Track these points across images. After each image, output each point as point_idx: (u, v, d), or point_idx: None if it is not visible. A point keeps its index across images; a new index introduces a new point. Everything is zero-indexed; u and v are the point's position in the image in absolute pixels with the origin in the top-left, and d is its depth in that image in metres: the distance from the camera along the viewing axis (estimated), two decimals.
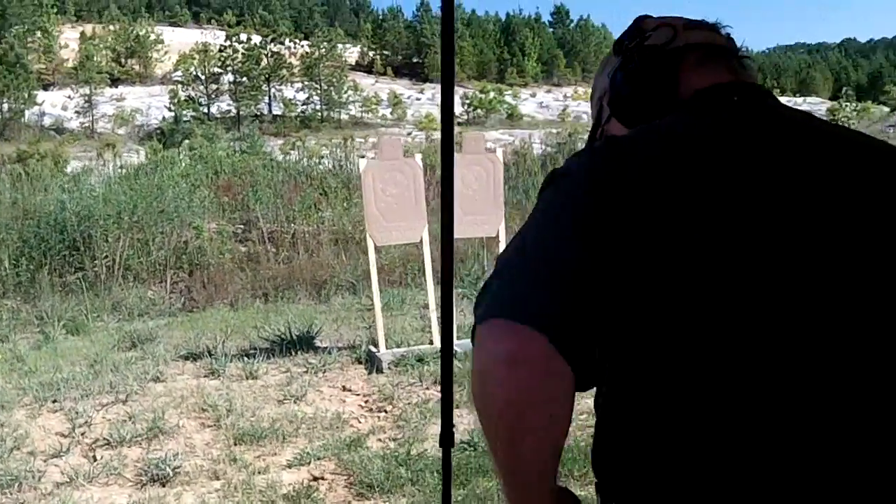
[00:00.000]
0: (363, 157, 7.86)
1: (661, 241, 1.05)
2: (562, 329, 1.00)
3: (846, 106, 32.42)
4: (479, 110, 65.60)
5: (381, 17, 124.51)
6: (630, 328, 1.08)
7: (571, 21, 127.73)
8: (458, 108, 69.25)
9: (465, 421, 5.45)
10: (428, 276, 7.37)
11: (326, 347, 7.43)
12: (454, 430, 2.29)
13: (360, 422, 5.67)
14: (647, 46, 1.34)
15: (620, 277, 1.05)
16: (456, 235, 7.59)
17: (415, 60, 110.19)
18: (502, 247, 7.53)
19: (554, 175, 1.20)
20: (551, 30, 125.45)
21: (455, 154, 7.87)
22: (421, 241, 7.27)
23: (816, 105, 71.45)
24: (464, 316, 7.92)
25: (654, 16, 1.41)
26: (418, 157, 7.37)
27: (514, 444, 1.06)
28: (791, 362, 1.03)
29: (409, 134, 49.81)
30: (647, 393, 1.08)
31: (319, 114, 67.09)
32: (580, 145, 29.38)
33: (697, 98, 1.27)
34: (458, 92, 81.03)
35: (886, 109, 42.77)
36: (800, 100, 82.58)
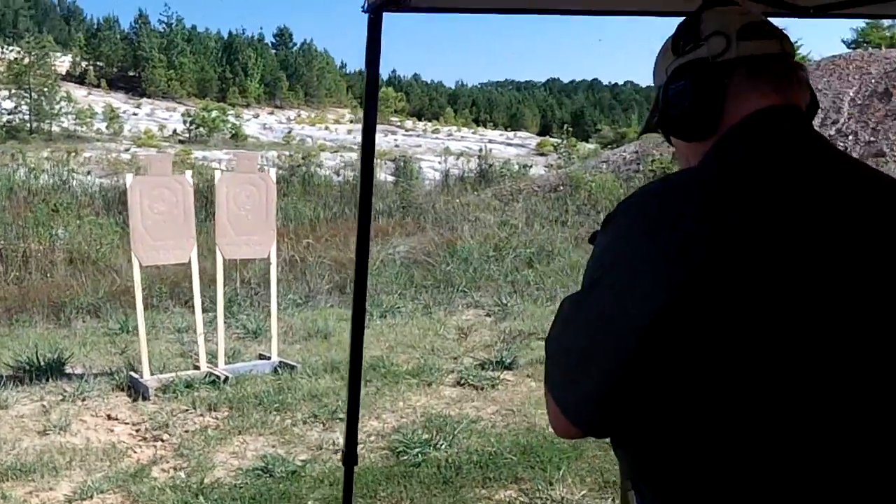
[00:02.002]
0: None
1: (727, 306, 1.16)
2: (595, 427, 1.33)
3: (566, 141, 34.92)
4: (201, 128, 63.58)
5: (95, 26, 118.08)
6: (710, 374, 1.19)
7: (295, 44, 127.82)
8: (179, 126, 66.87)
9: (252, 447, 5.33)
10: (196, 298, 7.09)
11: (81, 374, 6.95)
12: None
13: (136, 452, 5.36)
14: (697, 62, 1.38)
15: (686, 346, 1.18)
16: (228, 256, 7.44)
17: (131, 74, 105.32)
18: (273, 270, 7.42)
19: (607, 235, 1.30)
20: (274, 51, 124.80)
21: (227, 173, 7.68)
22: (189, 261, 6.99)
23: (527, 139, 76.29)
24: (227, 341, 7.72)
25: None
26: (188, 173, 7.11)
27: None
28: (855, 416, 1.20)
29: (127, 150, 47.35)
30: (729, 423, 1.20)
31: (28, 125, 61.98)
32: (314, 169, 28.95)
33: (742, 130, 1.33)
34: (180, 109, 78.31)
35: (592, 146, 46.60)
36: (511, 134, 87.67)
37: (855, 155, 19.42)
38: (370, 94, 2.17)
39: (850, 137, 19.89)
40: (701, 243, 1.18)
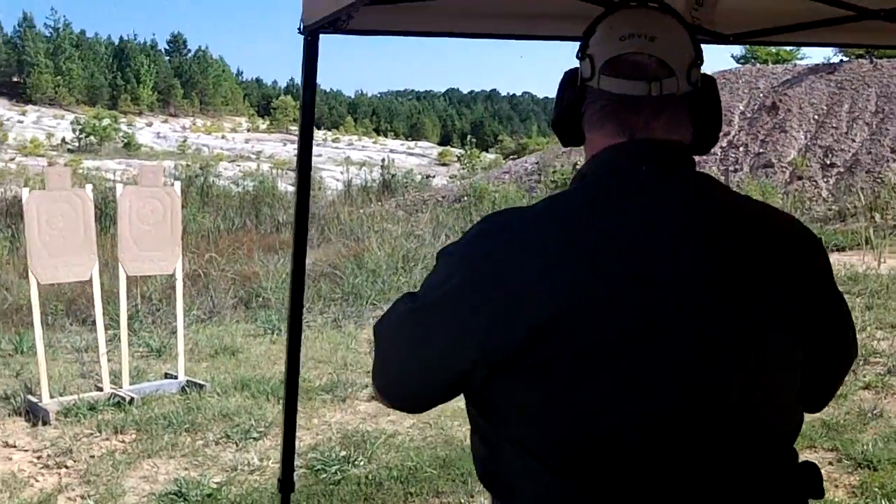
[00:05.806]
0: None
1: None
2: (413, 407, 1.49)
3: (468, 151, 35.16)
4: (91, 137, 61.59)
5: None
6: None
7: (189, 51, 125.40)
8: (68, 135, 64.74)
9: (163, 470, 5.17)
10: (98, 316, 6.84)
11: None
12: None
13: (38, 480, 5.13)
14: (573, 78, 1.44)
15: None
16: (131, 273, 7.22)
17: (15, 80, 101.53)
18: (179, 286, 7.21)
19: (447, 265, 1.36)
20: (168, 58, 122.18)
21: (130, 186, 7.45)
22: (90, 278, 6.74)
23: (428, 149, 76.50)
24: (130, 361, 7.47)
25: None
26: (88, 188, 6.86)
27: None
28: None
29: (12, 159, 45.43)
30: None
31: None
32: (212, 179, 28.38)
33: (591, 165, 1.40)
34: (68, 117, 75.82)
35: (492, 157, 47.01)
36: (412, 143, 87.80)
37: (745, 166, 20.21)
38: (306, 115, 2.12)
39: (741, 149, 20.60)
40: (526, 275, 1.27)
